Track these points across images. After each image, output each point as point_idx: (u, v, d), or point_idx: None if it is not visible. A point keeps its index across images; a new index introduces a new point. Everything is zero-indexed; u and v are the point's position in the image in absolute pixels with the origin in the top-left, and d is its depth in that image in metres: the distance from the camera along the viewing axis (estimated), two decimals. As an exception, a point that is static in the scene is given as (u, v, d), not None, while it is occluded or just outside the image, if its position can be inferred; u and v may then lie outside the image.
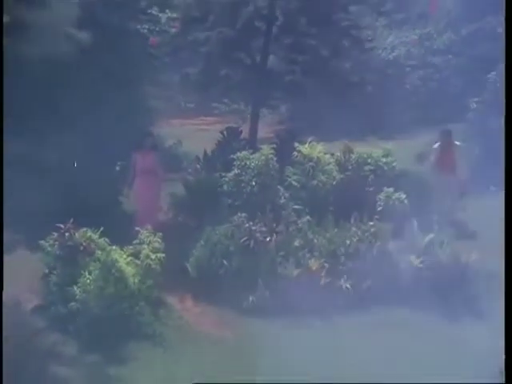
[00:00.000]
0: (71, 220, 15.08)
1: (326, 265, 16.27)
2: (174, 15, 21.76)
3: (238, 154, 18.54)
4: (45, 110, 17.65)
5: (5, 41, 16.40)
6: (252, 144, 20.61)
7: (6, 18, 15.92)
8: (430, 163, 18.78)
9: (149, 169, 18.14)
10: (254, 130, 21.57)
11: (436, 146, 19.06)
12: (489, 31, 22.05)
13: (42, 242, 15.15)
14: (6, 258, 15.97)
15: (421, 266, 16.54)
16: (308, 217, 17.32)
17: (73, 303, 14.42)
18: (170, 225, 17.49)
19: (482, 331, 14.93)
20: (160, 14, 21.32)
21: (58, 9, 16.49)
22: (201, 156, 20.41)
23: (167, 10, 21.70)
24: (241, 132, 21.31)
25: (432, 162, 18.97)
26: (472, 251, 17.04)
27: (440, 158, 18.87)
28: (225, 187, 18.02)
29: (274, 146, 19.71)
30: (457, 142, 19.02)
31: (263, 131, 22.06)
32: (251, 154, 18.42)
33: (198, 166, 20.01)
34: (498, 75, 21.49)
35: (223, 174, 18.35)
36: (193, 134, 22.54)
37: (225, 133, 21.26)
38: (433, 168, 18.87)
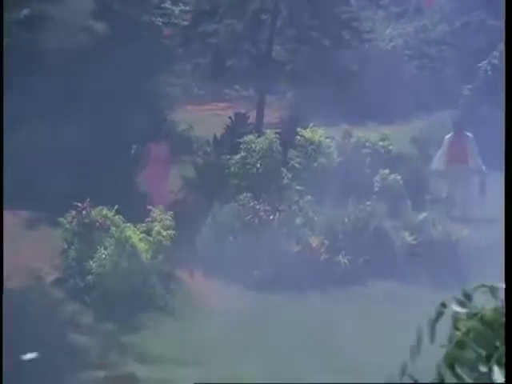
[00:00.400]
0: (88, 199, 15.12)
1: (326, 241, 16.33)
2: (186, 8, 21.66)
3: (245, 137, 18.53)
4: (65, 96, 17.70)
5: (27, 33, 16.45)
6: (258, 128, 20.49)
7: (26, 12, 15.95)
8: (442, 153, 18.64)
9: (161, 156, 18.22)
10: (260, 116, 21.46)
11: (448, 137, 18.94)
12: (478, 24, 22.04)
13: (61, 219, 15.21)
14: (30, 234, 16.20)
15: (414, 242, 16.57)
16: (309, 196, 17.29)
17: (89, 276, 14.50)
18: (181, 204, 17.47)
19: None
20: (173, 7, 21.24)
21: (77, 2, 16.51)
22: (210, 140, 20.35)
23: (180, 4, 21.61)
24: (248, 117, 21.23)
25: (444, 152, 18.83)
26: (462, 229, 17.13)
27: (452, 149, 18.76)
28: (232, 169, 17.98)
29: (279, 130, 19.65)
30: (468, 134, 18.88)
31: (270, 116, 21.97)
32: (257, 138, 18.38)
33: (208, 150, 19.94)
34: (488, 64, 21.48)
35: (230, 157, 18.31)
36: (205, 120, 22.43)
37: (233, 118, 21.16)
38: (445, 157, 18.76)
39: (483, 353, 2.63)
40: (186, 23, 21.24)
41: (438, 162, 19.15)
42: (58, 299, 14.49)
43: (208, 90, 24.69)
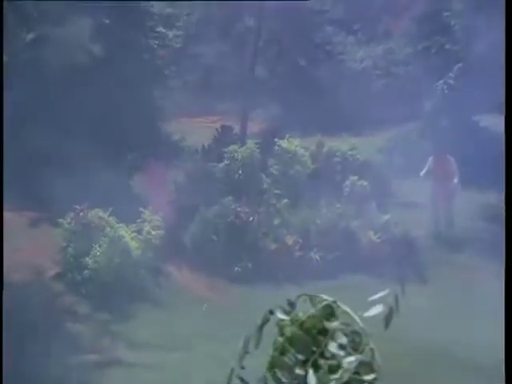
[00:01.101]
0: (85, 202, 14.93)
1: (300, 240, 16.19)
2: (179, 33, 21.56)
3: (229, 147, 18.44)
4: (67, 107, 17.52)
5: (33, 53, 16.29)
6: (242, 139, 20.35)
7: (32, 35, 15.80)
8: (427, 172, 18.30)
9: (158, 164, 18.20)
10: (244, 128, 21.33)
11: (431, 158, 18.57)
12: (438, 47, 21.94)
13: (61, 219, 15.01)
14: (33, 232, 15.99)
15: (378, 240, 16.48)
16: (286, 200, 17.14)
17: (86, 271, 14.33)
18: (172, 205, 17.30)
19: (425, 291, 14.95)
20: (167, 32, 21.10)
21: (78, 27, 16.38)
22: (199, 149, 20.20)
23: (173, 29, 21.49)
24: (233, 129, 21.12)
25: (428, 171, 18.42)
26: (419, 228, 17.09)
27: (434, 169, 18.35)
28: (216, 175, 17.86)
29: (259, 141, 19.51)
30: (449, 157, 18.54)
31: (253, 128, 21.88)
32: (239, 147, 18.29)
33: (197, 157, 19.78)
34: (444, 83, 21.50)
35: (216, 164, 18.19)
36: (196, 131, 22.25)
37: (219, 130, 21.06)
38: (429, 176, 18.39)
39: (300, 357, 2.58)
40: (178, 45, 21.10)
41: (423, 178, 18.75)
42: (57, 291, 14.28)
43: (201, 104, 24.45)
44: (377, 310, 2.74)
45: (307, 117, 21.24)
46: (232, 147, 18.28)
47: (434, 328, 13.53)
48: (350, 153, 19.06)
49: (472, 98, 20.10)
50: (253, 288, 15.20)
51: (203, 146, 20.31)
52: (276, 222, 16.47)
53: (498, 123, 21.10)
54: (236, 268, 15.56)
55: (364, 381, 2.56)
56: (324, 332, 2.63)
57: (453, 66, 21.54)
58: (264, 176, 18.09)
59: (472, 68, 20.22)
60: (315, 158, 18.86)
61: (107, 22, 17.85)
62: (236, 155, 18.04)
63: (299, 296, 2.74)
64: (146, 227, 15.13)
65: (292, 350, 2.60)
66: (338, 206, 16.98)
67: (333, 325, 2.65)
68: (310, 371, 2.54)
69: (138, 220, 15.33)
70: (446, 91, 21.59)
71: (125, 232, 14.70)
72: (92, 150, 16.63)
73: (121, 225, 14.83)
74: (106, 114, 17.99)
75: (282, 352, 2.62)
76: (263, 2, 20.78)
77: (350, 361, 2.56)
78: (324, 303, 2.69)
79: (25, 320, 12.96)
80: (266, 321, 2.71)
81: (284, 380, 2.57)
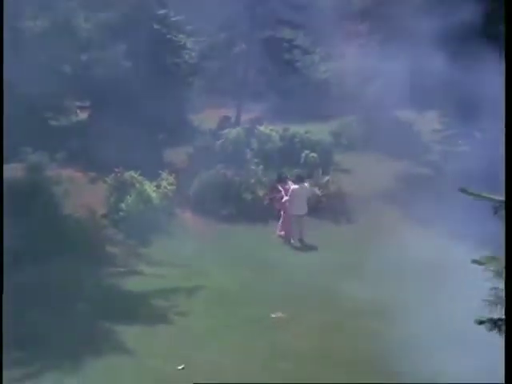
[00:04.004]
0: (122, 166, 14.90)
1: (268, 193, 16.00)
2: (192, 54, 21.11)
3: (225, 130, 18.32)
4: (115, 103, 17.27)
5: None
6: (236, 125, 20.17)
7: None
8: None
9: None
10: (238, 117, 21.14)
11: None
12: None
13: (106, 178, 14.99)
14: (91, 187, 15.91)
15: (321, 195, 16.33)
16: (261, 166, 17.04)
17: (121, 213, 14.31)
18: (185, 169, 17.15)
19: (351, 233, 14.83)
20: (186, 53, 20.64)
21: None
22: (207, 131, 20.07)
23: (189, 51, 20.94)
24: (230, 118, 20.95)
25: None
26: (349, 186, 16.91)
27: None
28: (215, 149, 17.74)
29: (246, 126, 19.34)
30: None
31: (244, 118, 21.61)
32: (231, 131, 18.17)
33: (207, 137, 19.62)
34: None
35: (215, 142, 18.07)
36: (209, 119, 21.98)
37: (222, 118, 20.93)
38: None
39: None
40: (193, 61, 20.81)
41: None
42: (103, 225, 14.29)
43: (212, 101, 23.92)
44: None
45: (278, 111, 21.01)
46: (227, 130, 18.17)
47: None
48: (306, 135, 18.88)
49: (394, 97, 19.80)
50: (234, 226, 15.06)
51: (210, 129, 20.18)
52: (252, 180, 16.32)
53: (408, 116, 20.92)
54: (223, 212, 15.43)
55: None
56: None
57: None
58: (248, 150, 17.98)
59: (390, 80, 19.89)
60: (282, 138, 18.69)
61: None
62: (229, 136, 17.91)
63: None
64: (163, 184, 15.00)
65: None
66: (296, 170, 16.72)
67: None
68: None
69: (158, 179, 15.21)
70: (373, 94, 21.19)
71: (148, 187, 14.60)
72: (137, 133, 16.40)
73: (146, 182, 14.74)
74: (148, 108, 17.66)
75: None
76: (252, 32, 20.50)
77: None
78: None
79: (80, 243, 13.02)
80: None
81: None
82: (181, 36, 20.11)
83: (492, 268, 5.13)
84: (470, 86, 12.53)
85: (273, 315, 10.73)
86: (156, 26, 18.97)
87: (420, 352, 8.77)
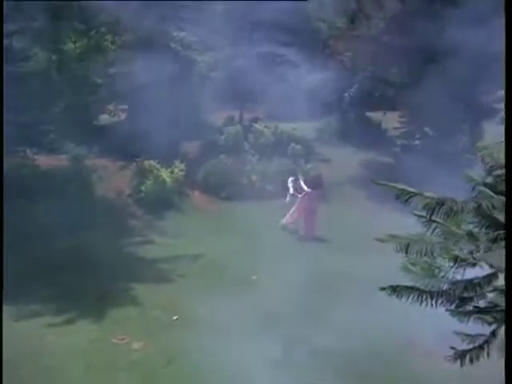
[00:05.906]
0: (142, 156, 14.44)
1: (260, 178, 15.51)
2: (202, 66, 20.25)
3: (228, 127, 17.79)
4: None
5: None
6: (239, 123, 19.54)
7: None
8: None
9: None
10: (241, 117, 20.50)
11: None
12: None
13: (130, 166, 14.56)
14: (120, 172, 15.42)
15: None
16: (257, 156, 16.54)
17: (141, 193, 13.91)
18: (195, 158, 16.66)
19: (327, 209, 14.22)
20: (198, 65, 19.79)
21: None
22: (215, 128, 19.45)
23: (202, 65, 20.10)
24: (233, 117, 20.32)
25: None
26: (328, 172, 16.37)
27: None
28: (220, 142, 17.24)
29: (244, 124, 18.75)
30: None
31: (245, 117, 20.97)
32: (232, 127, 17.63)
33: (214, 132, 18.98)
34: (348, 96, 20.44)
35: (219, 137, 17.54)
36: (219, 118, 21.29)
37: (227, 117, 20.32)
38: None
39: None
40: (204, 72, 20.00)
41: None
42: (128, 203, 13.94)
43: (222, 104, 23.10)
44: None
45: (270, 113, 20.32)
46: (228, 127, 17.64)
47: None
48: (292, 132, 18.28)
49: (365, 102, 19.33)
50: (234, 204, 14.63)
51: (217, 127, 19.61)
52: (247, 168, 15.85)
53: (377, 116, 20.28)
54: (223, 192, 14.99)
55: None
56: None
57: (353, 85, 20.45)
58: (246, 143, 17.46)
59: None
60: (273, 134, 18.12)
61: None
62: (231, 131, 17.39)
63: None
64: (176, 170, 14.56)
65: None
66: (284, 161, 16.27)
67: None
68: None
69: (172, 166, 14.78)
70: (348, 99, 20.61)
71: (163, 173, 14.22)
72: (159, 131, 15.82)
73: (162, 169, 14.34)
74: (169, 111, 16.98)
75: None
76: (250, 48, 19.74)
77: None
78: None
79: (109, 217, 12.69)
80: None
81: None
82: (194, 52, 19.49)
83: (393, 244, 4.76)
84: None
85: (253, 277, 10.35)
86: (173, 45, 18.36)
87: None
